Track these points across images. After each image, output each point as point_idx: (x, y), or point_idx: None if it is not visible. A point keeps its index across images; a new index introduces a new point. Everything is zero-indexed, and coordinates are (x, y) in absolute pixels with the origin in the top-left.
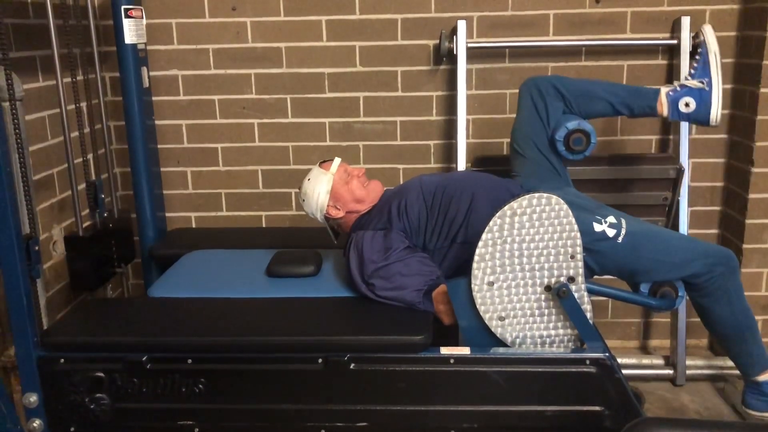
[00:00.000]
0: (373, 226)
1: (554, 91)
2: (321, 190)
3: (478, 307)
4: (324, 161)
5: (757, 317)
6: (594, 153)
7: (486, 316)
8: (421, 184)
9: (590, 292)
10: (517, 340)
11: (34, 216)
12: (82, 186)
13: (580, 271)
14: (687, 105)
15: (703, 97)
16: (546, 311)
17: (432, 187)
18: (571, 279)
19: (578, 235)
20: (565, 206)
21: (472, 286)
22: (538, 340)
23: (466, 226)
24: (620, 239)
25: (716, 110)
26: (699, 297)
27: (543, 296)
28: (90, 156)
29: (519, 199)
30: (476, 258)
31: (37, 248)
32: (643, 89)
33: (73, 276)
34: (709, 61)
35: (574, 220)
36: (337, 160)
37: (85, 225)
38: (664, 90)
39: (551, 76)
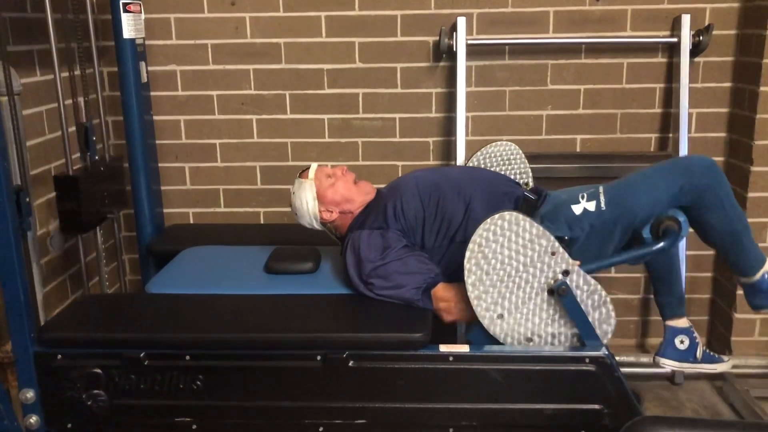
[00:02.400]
0: (369, 226)
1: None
2: (307, 198)
3: (503, 341)
4: (302, 171)
5: (756, 316)
6: (593, 151)
7: (508, 341)
8: (417, 182)
9: (593, 271)
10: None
11: (24, 162)
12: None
13: (569, 260)
14: None
15: None
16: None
17: (428, 185)
18: (566, 272)
19: (545, 233)
20: (518, 214)
21: (486, 327)
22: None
23: (465, 227)
24: (603, 206)
25: None
26: (695, 213)
27: (550, 300)
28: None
29: (477, 230)
30: (475, 302)
31: (27, 200)
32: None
33: (63, 217)
34: None
35: (534, 222)
36: (314, 166)
37: (76, 167)
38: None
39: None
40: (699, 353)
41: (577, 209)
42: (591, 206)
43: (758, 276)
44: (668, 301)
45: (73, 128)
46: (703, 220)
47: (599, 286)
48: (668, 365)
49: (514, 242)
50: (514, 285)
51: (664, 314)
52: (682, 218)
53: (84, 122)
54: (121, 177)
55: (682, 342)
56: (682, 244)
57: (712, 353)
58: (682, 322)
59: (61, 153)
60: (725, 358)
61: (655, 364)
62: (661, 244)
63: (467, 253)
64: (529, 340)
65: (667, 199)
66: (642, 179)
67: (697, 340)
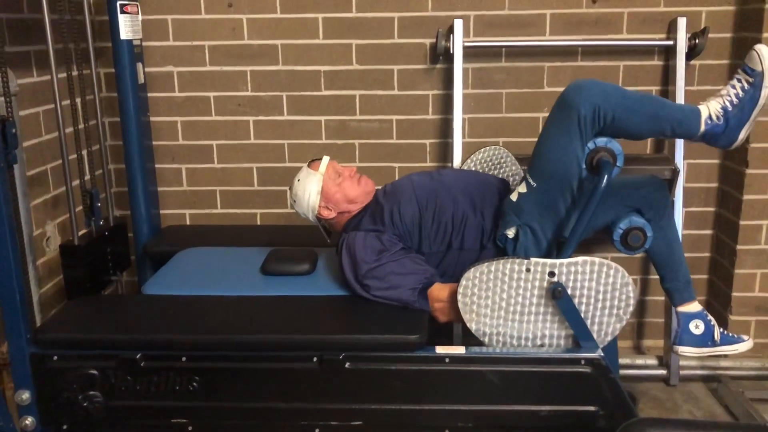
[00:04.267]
0: (365, 227)
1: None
2: (311, 190)
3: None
4: (313, 160)
5: (751, 318)
6: None
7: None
8: (414, 186)
9: (572, 247)
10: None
11: (20, 154)
12: (76, 182)
13: (548, 262)
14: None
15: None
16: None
17: (425, 191)
18: (551, 273)
19: (512, 260)
20: (484, 263)
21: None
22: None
23: (461, 235)
24: (532, 182)
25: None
26: (610, 130)
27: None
28: (84, 152)
29: (458, 286)
30: (478, 332)
31: (14, 131)
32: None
33: (68, 284)
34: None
35: (500, 262)
36: (326, 159)
37: (81, 233)
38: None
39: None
40: (717, 335)
41: (513, 197)
42: (522, 188)
43: (702, 128)
44: (675, 286)
45: (70, 129)
46: (620, 129)
47: (588, 257)
48: (687, 353)
49: (492, 282)
50: (510, 309)
51: (674, 300)
52: (602, 142)
53: (89, 188)
54: (125, 241)
55: (697, 327)
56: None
57: (730, 333)
58: (694, 306)
59: (59, 153)
60: (745, 337)
61: (675, 354)
62: (604, 176)
63: (459, 305)
64: (541, 345)
65: (576, 141)
66: (545, 139)
67: (712, 323)
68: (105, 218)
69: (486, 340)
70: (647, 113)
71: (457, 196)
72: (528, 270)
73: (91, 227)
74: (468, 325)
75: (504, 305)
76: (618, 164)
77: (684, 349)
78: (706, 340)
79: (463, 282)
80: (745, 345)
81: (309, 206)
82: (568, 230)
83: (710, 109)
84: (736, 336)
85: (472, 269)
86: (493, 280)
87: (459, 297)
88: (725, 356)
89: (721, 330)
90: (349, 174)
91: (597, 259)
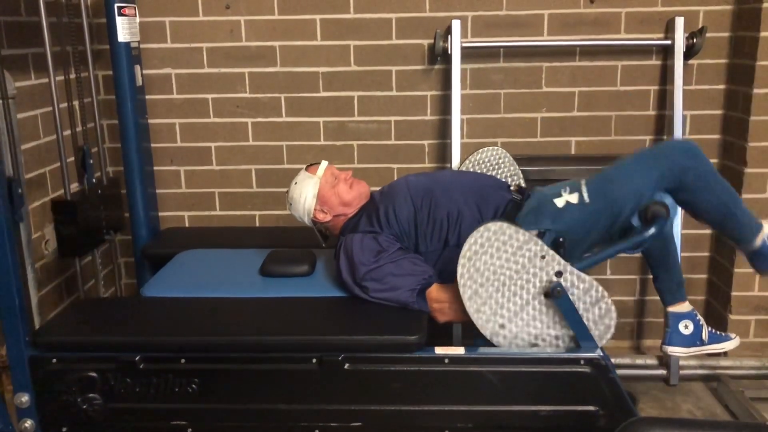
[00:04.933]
0: (361, 229)
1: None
2: (308, 193)
3: (508, 347)
4: (311, 165)
5: (750, 317)
6: (587, 153)
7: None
8: (408, 186)
9: (585, 267)
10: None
11: (18, 159)
12: (74, 185)
13: (560, 261)
14: None
15: None
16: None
17: (420, 190)
18: (559, 273)
19: (533, 238)
20: (503, 223)
21: (490, 338)
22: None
23: (457, 231)
24: (586, 198)
25: None
26: (682, 196)
27: (546, 303)
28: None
29: (465, 245)
30: (476, 315)
31: (20, 191)
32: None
33: (61, 241)
34: None
35: (520, 230)
36: (324, 164)
37: (74, 189)
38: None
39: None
40: (705, 335)
41: (559, 202)
42: (573, 198)
43: (758, 243)
44: (667, 286)
45: (68, 131)
46: (690, 201)
47: (595, 283)
48: (676, 353)
49: (503, 251)
50: (510, 293)
51: (665, 300)
52: (669, 201)
53: (81, 145)
54: (118, 200)
55: (686, 327)
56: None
57: (717, 332)
58: (684, 307)
59: (57, 156)
60: (732, 335)
61: (664, 354)
62: (651, 230)
63: (459, 269)
64: (534, 344)
65: (650, 186)
66: (623, 169)
67: (701, 323)
68: (98, 179)
69: (474, 306)
70: (721, 199)
71: (452, 193)
72: (543, 257)
73: (84, 185)
74: (461, 290)
75: (505, 279)
76: (671, 217)
77: (673, 349)
78: (694, 339)
79: (470, 240)
80: (732, 343)
81: (305, 209)
82: (595, 256)
83: None
84: (723, 334)
85: (485, 227)
86: (504, 246)
87: (465, 250)
88: (725, 355)
89: (710, 329)
90: (345, 178)
91: (600, 288)
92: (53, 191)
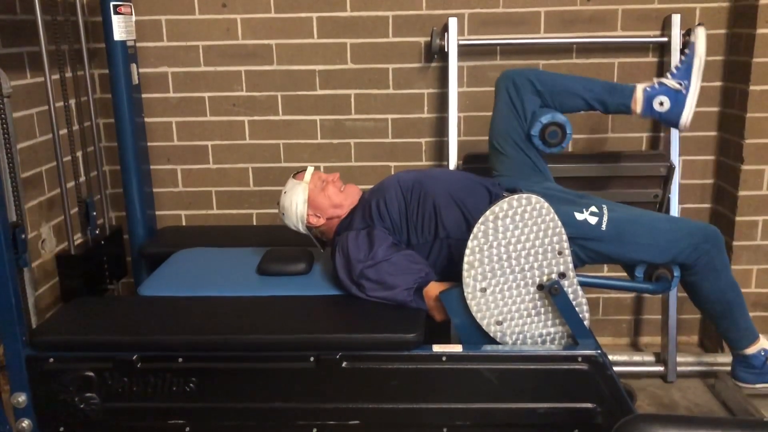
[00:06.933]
0: (356, 226)
1: (530, 85)
2: (298, 200)
3: (474, 314)
4: (297, 172)
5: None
6: (584, 150)
7: (483, 322)
8: (399, 180)
9: (584, 285)
10: (518, 342)
11: (21, 206)
12: (71, 184)
13: (570, 266)
14: (661, 104)
15: (678, 99)
16: (541, 310)
17: (409, 183)
18: (562, 275)
19: (563, 231)
20: (546, 204)
21: (466, 294)
22: (538, 339)
23: (445, 222)
24: (603, 226)
25: (688, 115)
26: (687, 275)
27: (536, 296)
28: (79, 154)
29: (500, 202)
30: (465, 266)
31: (24, 236)
32: (619, 86)
33: (65, 294)
34: (693, 65)
35: (556, 217)
36: (310, 169)
37: (77, 242)
38: (640, 86)
39: (527, 69)
40: None
41: (579, 216)
42: (592, 220)
43: (751, 351)
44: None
45: (64, 131)
46: (694, 283)
47: (584, 301)
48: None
49: (528, 226)
50: (511, 283)
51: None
52: (677, 273)
53: (85, 198)
54: (121, 250)
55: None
56: None
57: None
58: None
59: (53, 155)
60: None
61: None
62: (650, 287)
63: (469, 243)
64: (530, 340)
65: (665, 253)
66: (650, 223)
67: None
68: (100, 225)
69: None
70: (724, 296)
71: (442, 184)
72: (560, 253)
73: (87, 237)
74: (465, 268)
75: (513, 253)
76: (672, 286)
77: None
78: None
79: (495, 209)
80: None
81: (297, 216)
82: (592, 279)
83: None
84: None
85: (513, 198)
86: (532, 220)
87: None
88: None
89: None
90: (333, 180)
91: (585, 307)
92: (49, 191)
